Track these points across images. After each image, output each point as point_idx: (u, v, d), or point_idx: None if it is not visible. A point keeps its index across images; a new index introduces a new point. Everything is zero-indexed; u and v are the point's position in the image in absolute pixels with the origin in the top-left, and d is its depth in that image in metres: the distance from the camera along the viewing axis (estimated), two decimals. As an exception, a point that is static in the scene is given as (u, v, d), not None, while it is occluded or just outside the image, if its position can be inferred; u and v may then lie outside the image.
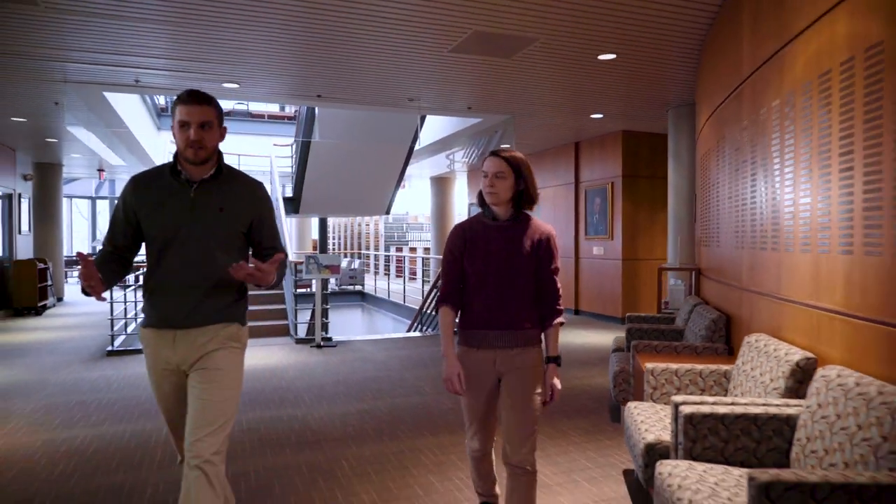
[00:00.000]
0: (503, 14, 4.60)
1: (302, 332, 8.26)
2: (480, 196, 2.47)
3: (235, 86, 6.70)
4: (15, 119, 8.34)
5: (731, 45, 4.26)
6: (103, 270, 2.12)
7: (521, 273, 2.41)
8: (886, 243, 2.21)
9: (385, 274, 18.96)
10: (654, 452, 2.74)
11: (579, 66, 5.98)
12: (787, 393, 2.68)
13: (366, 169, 11.85)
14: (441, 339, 2.47)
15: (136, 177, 2.30)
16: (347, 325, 9.09)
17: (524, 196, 2.43)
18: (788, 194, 3.09)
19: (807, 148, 2.85)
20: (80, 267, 2.02)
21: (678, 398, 2.68)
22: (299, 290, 9.62)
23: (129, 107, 9.06)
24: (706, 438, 2.54)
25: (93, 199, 21.28)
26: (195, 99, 2.18)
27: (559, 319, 2.46)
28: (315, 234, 20.15)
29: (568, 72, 6.18)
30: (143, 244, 2.31)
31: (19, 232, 11.44)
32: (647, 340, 4.41)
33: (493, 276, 2.41)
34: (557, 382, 2.44)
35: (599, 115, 8.28)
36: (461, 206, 16.08)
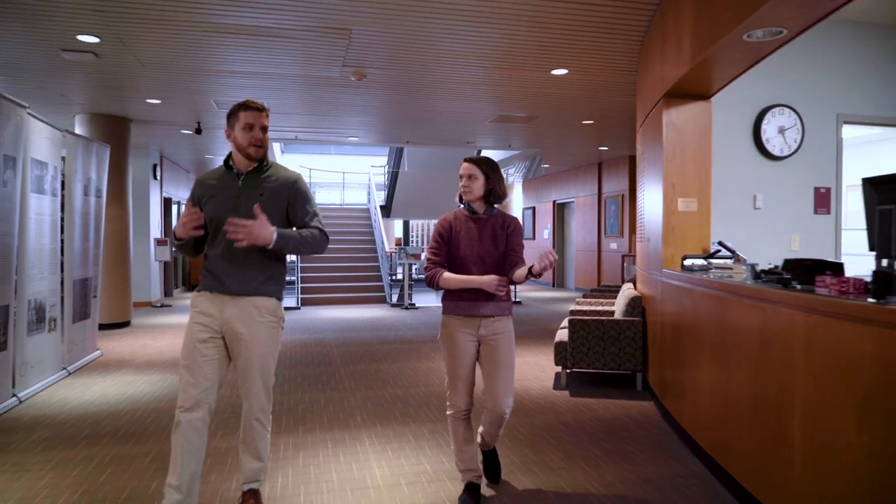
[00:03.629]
0: (513, 105, 7.99)
1: (394, 299, 11.97)
2: (461, 195, 2.87)
3: (356, 138, 10.46)
4: (207, 156, 12.50)
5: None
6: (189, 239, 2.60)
7: (495, 254, 2.81)
8: (642, 237, 5.52)
9: (456, 266, 22.44)
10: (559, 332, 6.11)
11: (571, 127, 9.29)
12: (622, 307, 5.99)
13: (438, 184, 15.49)
14: (460, 283, 2.75)
15: (202, 174, 2.73)
16: (425, 299, 12.67)
17: (493, 193, 2.83)
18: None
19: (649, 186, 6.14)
20: (185, 216, 2.49)
21: (573, 306, 6.05)
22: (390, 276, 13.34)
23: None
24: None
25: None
26: (258, 106, 2.57)
27: (519, 266, 2.81)
28: (398, 233, 24.08)
29: (565, 129, 9.50)
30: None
31: (191, 231, 15.79)
32: (595, 294, 7.73)
33: (474, 258, 2.79)
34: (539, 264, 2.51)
35: (605, 147, 11.48)
36: (516, 210, 19.41)
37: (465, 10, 4.62)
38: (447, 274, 2.79)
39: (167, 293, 13.01)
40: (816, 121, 4.80)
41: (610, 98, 7.41)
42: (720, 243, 3.86)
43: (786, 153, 4.76)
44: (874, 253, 2.20)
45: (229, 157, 2.67)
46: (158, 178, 12.10)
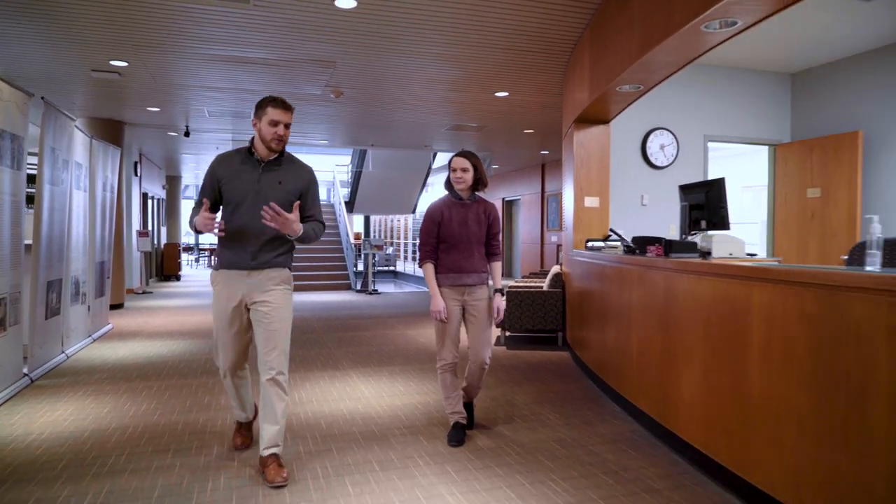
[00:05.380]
0: (465, 117, 9.42)
1: (358, 286, 13.28)
2: (448, 183, 3.35)
3: (326, 141, 11.71)
4: (182, 154, 13.50)
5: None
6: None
7: (478, 235, 3.38)
8: (564, 227, 7.01)
9: (413, 258, 23.87)
10: (502, 302, 7.57)
11: (515, 135, 10.80)
12: (548, 282, 7.48)
13: (398, 182, 16.87)
14: (429, 285, 3.37)
15: (221, 155, 2.95)
16: (387, 286, 14.04)
17: (480, 182, 3.35)
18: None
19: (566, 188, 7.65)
20: (201, 215, 2.67)
21: (511, 283, 7.52)
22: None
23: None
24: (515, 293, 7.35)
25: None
26: (287, 106, 2.85)
27: (498, 258, 3.51)
28: (359, 228, 25.26)
29: (510, 136, 11.00)
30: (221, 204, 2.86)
31: (163, 224, 16.72)
32: (532, 276, 9.24)
33: (462, 238, 3.33)
34: (502, 305, 3.42)
35: (546, 151, 13.05)
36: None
37: (428, 52, 6.00)
38: (428, 267, 3.39)
39: (146, 282, 13.96)
40: (688, 139, 6.39)
41: (545, 114, 8.92)
42: (612, 230, 5.34)
43: (665, 164, 6.33)
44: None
45: (252, 143, 2.90)
46: (138, 174, 13.05)
